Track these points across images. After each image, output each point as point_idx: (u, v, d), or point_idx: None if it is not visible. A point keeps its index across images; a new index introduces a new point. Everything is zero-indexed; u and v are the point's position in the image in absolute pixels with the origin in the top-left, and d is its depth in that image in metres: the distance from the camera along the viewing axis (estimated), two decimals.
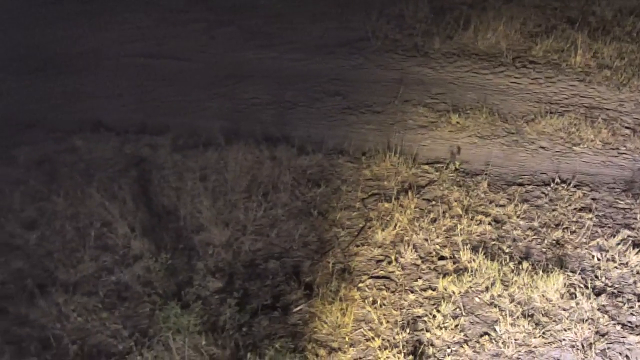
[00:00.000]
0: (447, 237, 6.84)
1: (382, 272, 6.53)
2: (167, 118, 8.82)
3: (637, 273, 6.42)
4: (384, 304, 6.18)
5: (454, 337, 5.84)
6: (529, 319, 5.92)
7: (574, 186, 7.45)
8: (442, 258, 6.63)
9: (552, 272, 6.24)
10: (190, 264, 6.63)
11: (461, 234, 6.80)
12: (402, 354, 5.66)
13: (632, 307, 6.06)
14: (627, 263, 6.51)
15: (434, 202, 7.26)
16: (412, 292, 6.29)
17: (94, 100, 9.27)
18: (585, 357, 5.65)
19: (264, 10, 11.37)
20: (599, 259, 6.55)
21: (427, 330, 5.90)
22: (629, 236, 6.80)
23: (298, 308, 6.17)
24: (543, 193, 7.37)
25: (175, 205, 7.28)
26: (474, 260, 6.50)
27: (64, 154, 8.12)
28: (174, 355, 5.70)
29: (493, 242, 6.74)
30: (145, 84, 9.55)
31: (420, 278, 6.43)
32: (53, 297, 6.31)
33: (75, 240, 6.93)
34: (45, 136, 8.46)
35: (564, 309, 6.03)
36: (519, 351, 5.69)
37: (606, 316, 5.97)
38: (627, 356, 5.67)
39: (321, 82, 9.44)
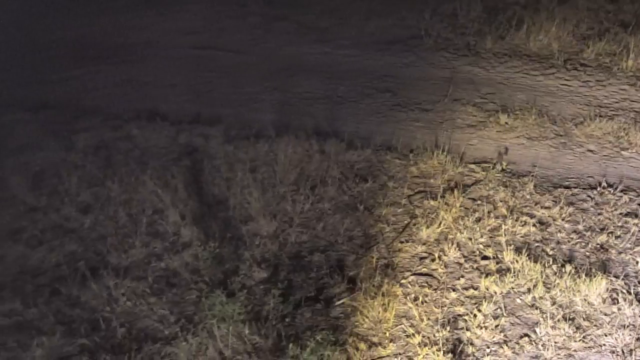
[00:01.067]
0: (491, 237, 6.73)
1: (425, 269, 6.46)
2: (220, 109, 8.82)
3: None
4: (426, 301, 6.11)
5: (493, 337, 5.75)
6: (570, 322, 5.80)
7: (621, 191, 7.28)
8: (485, 258, 6.53)
9: (595, 277, 6.10)
10: (237, 253, 6.62)
11: (505, 235, 6.69)
12: (442, 352, 5.58)
13: None
14: None
15: (479, 202, 7.16)
16: (454, 290, 6.21)
17: (151, 89, 9.31)
18: None
19: (319, 6, 11.29)
20: None
21: (467, 329, 5.82)
22: None
23: (340, 301, 6.13)
24: (589, 197, 7.22)
25: (225, 195, 7.28)
26: (517, 261, 6.39)
27: (121, 141, 8.17)
28: (217, 342, 5.70)
29: (537, 244, 6.62)
30: (201, 76, 9.56)
31: (462, 277, 6.34)
32: (104, 280, 6.35)
33: (128, 225, 6.96)
34: (104, 123, 8.52)
35: (606, 314, 5.90)
36: (559, 354, 5.58)
37: None
38: None
39: (372, 78, 9.36)
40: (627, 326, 5.77)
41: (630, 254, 6.52)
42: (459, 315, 5.97)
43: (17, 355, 5.77)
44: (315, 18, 10.89)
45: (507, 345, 5.67)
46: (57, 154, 7.90)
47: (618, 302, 5.98)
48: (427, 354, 5.61)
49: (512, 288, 6.17)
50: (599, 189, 7.31)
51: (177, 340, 5.78)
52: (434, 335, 5.78)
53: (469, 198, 7.21)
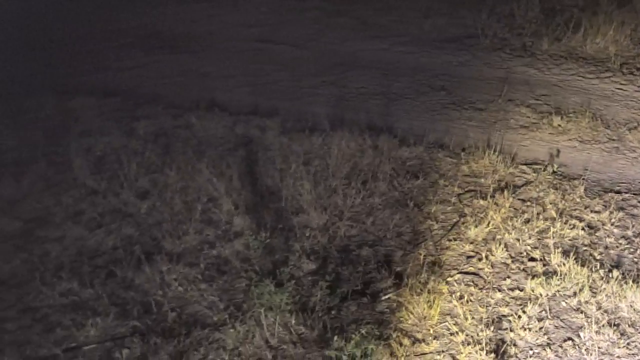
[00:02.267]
0: (539, 239, 6.59)
1: (471, 268, 6.35)
2: (277, 102, 8.79)
3: None
4: (471, 300, 6.00)
5: (537, 339, 5.62)
6: (615, 328, 5.65)
7: None
8: (532, 259, 6.39)
9: None
10: (287, 244, 6.58)
11: (553, 237, 6.55)
12: (485, 351, 5.47)
13: None
14: None
15: (528, 203, 7.01)
16: (499, 290, 6.09)
17: (211, 80, 9.31)
18: None
19: (378, 3, 11.19)
20: None
21: (511, 330, 5.70)
22: None
23: (386, 296, 6.06)
24: None
25: (278, 186, 7.24)
26: (564, 264, 6.24)
27: (180, 130, 8.19)
28: (264, 331, 5.67)
29: (585, 248, 6.46)
30: (260, 68, 9.54)
31: (508, 277, 6.22)
32: (158, 265, 6.37)
33: (183, 212, 6.97)
34: (164, 111, 8.55)
35: None
36: None
37: None
38: None
39: (428, 76, 9.24)
40: None
41: None
42: (503, 315, 5.85)
43: (72, 334, 5.81)
44: (374, 14, 10.78)
45: (550, 348, 5.54)
46: (119, 139, 7.94)
47: None
48: (470, 353, 5.50)
49: (558, 291, 6.03)
50: None
51: (225, 326, 5.76)
52: (478, 335, 5.67)
53: (518, 199, 7.07)
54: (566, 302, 5.93)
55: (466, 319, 5.81)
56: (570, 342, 5.58)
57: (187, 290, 6.14)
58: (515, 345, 5.58)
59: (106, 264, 6.44)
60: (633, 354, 5.45)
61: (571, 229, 6.65)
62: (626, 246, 6.49)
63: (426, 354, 5.58)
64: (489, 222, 6.74)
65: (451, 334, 5.69)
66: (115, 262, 6.43)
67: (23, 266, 6.39)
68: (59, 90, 8.95)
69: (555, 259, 6.30)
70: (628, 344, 5.52)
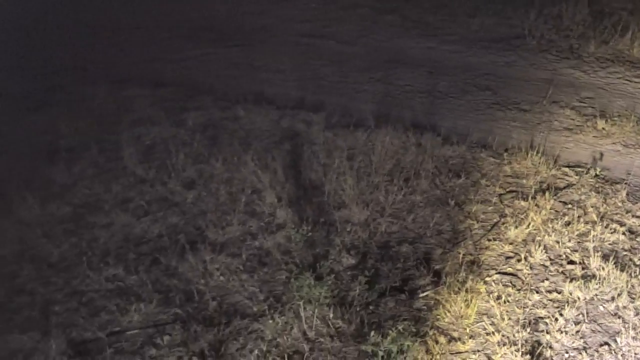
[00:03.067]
0: (578, 242, 6.45)
1: (510, 269, 6.24)
2: (324, 96, 8.74)
3: None
4: (508, 301, 5.90)
5: (573, 342, 5.51)
6: None
7: None
8: (571, 262, 6.26)
9: None
10: (328, 238, 6.54)
11: (593, 241, 6.41)
12: (520, 353, 5.38)
13: None
14: None
15: (570, 206, 6.88)
16: (537, 292, 5.98)
17: (261, 73, 9.29)
18: None
19: (427, 1, 11.08)
20: None
21: (547, 332, 5.59)
22: None
23: (424, 294, 5.98)
24: None
25: (322, 180, 7.20)
26: (603, 268, 6.11)
27: (227, 122, 8.18)
28: (302, 323, 5.64)
29: (625, 253, 6.31)
30: (308, 63, 9.49)
31: (547, 279, 6.10)
32: (201, 254, 6.37)
33: (227, 203, 6.96)
34: (213, 103, 8.55)
35: None
36: None
37: None
38: None
39: (473, 75, 9.12)
40: None
41: None
42: (540, 317, 5.75)
43: (116, 318, 5.84)
44: (423, 13, 10.67)
45: (586, 352, 5.42)
46: (168, 130, 7.96)
47: None
48: (505, 354, 5.41)
49: (596, 295, 5.90)
50: None
51: (264, 317, 5.74)
52: (514, 336, 5.57)
53: (559, 201, 6.93)
54: (604, 307, 5.80)
55: (503, 319, 5.71)
56: (606, 347, 5.46)
57: (228, 280, 6.13)
58: (551, 347, 5.48)
59: (151, 251, 6.47)
60: None
61: (612, 233, 6.50)
62: None
63: (461, 352, 5.50)
64: (529, 224, 6.62)
65: (487, 334, 5.61)
66: (160, 250, 6.46)
67: (72, 250, 6.44)
68: (112, 79, 9.00)
69: (595, 262, 6.17)
70: None
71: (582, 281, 6.01)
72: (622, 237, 6.46)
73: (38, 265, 6.31)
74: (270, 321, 5.68)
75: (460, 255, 6.33)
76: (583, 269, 6.18)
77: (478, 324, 5.70)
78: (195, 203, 7.00)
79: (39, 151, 7.70)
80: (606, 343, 5.50)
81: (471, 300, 5.81)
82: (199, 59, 9.69)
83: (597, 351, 5.42)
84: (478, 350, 5.51)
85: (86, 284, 6.14)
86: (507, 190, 7.13)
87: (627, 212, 6.78)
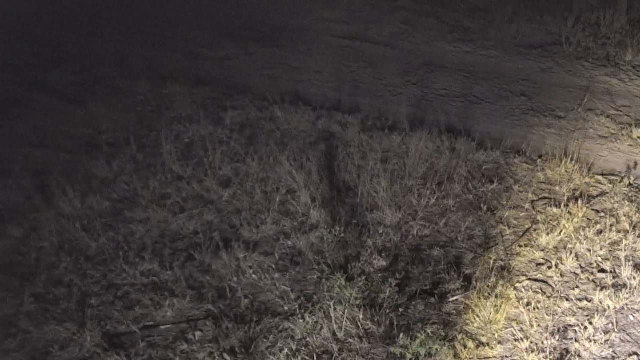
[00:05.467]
0: (610, 250, 6.36)
1: (540, 275, 6.17)
2: (360, 99, 8.69)
3: None
4: (538, 308, 5.83)
5: (602, 351, 5.44)
6: None
7: None
8: (602, 271, 6.17)
9: None
10: (360, 240, 6.51)
11: (625, 250, 6.31)
12: None
13: None
14: None
15: (602, 214, 6.78)
16: (567, 300, 5.90)
17: (299, 74, 9.24)
18: None
19: (465, 5, 10.94)
20: None
21: (576, 341, 5.52)
22: None
23: (454, 298, 5.93)
24: None
25: (356, 182, 7.15)
26: (634, 277, 6.02)
27: (264, 122, 8.15)
28: (332, 324, 5.62)
29: None
30: (346, 65, 9.43)
31: (577, 287, 6.02)
32: (235, 252, 6.36)
33: (262, 202, 6.93)
34: (251, 103, 8.51)
35: None
36: None
37: None
38: None
39: (509, 81, 9.00)
40: None
41: None
42: (569, 325, 5.68)
43: (150, 312, 5.86)
44: (461, 17, 10.55)
45: None
46: (207, 128, 7.94)
47: None
48: None
49: (627, 304, 5.82)
50: None
51: (294, 317, 5.73)
52: (542, 343, 5.51)
53: (592, 209, 6.84)
54: (634, 316, 5.72)
55: (532, 326, 5.65)
56: (635, 357, 5.40)
57: (260, 279, 6.12)
58: (579, 356, 5.41)
59: (186, 247, 6.47)
60: None
61: None
62: None
63: (489, 358, 5.46)
64: (561, 231, 6.54)
65: (516, 340, 5.55)
66: (195, 246, 6.45)
67: (109, 244, 6.46)
68: (154, 76, 9.00)
69: (626, 272, 6.08)
70: None
71: (613, 290, 5.93)
72: None
73: (76, 258, 6.33)
74: (301, 320, 5.66)
75: (491, 261, 6.27)
76: (614, 277, 6.10)
77: (507, 330, 5.65)
78: (230, 201, 6.99)
79: (80, 145, 7.72)
80: (635, 353, 5.43)
81: (501, 306, 5.75)
82: (239, 58, 9.66)
83: None
84: (506, 357, 5.46)
85: (122, 277, 6.16)
86: (540, 197, 7.04)
87: None
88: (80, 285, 6.08)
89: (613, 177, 7.28)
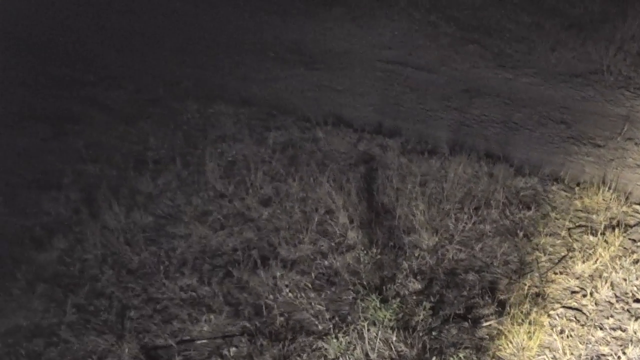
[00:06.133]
0: None
1: (575, 303, 6.01)
2: (401, 122, 8.61)
3: None
4: (571, 336, 5.67)
5: None
6: None
7: None
8: (637, 301, 6.00)
9: None
10: (396, 262, 6.41)
11: None
12: None
13: None
14: None
15: (639, 244, 6.58)
16: (601, 329, 5.73)
17: (342, 97, 9.21)
18: None
19: (508, 33, 10.83)
20: None
21: None
22: None
23: (487, 323, 5.80)
24: None
25: (394, 204, 7.07)
26: None
27: (306, 143, 8.11)
28: (365, 344, 5.54)
29: None
30: (389, 89, 9.36)
31: (611, 317, 5.85)
32: (272, 270, 6.31)
33: (301, 222, 6.88)
34: (294, 124, 8.48)
35: None
36: None
37: None
38: None
39: (549, 108, 8.84)
40: None
41: None
42: (602, 354, 5.51)
43: (187, 327, 5.83)
44: (503, 45, 10.43)
45: None
46: (250, 147, 7.93)
47: None
48: None
49: None
50: None
51: (328, 336, 5.65)
52: None
53: (629, 238, 6.66)
54: None
55: (565, 354, 5.50)
56: None
57: (296, 297, 6.05)
58: None
59: (225, 264, 6.44)
60: None
61: None
62: None
63: None
64: (597, 259, 6.37)
65: None
66: (233, 263, 6.42)
67: (151, 259, 6.46)
68: (202, 96, 9.02)
69: None
70: None
71: None
72: None
73: (118, 271, 6.34)
74: (334, 340, 5.58)
75: (526, 287, 6.13)
76: None
77: (539, 357, 5.51)
78: (270, 220, 6.94)
79: (128, 161, 7.75)
80: None
81: (534, 333, 5.61)
82: (284, 80, 9.66)
83: None
84: None
85: (162, 291, 6.14)
86: (577, 224, 6.88)
87: None
88: (121, 297, 6.08)
89: None
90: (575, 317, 5.86)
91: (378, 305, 5.82)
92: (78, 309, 5.98)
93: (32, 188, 7.35)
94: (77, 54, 10.20)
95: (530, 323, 5.70)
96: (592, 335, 5.68)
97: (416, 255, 6.48)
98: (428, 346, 5.53)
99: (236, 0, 11.86)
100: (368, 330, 5.61)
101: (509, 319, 5.78)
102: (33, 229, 6.80)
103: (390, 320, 5.71)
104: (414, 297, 6.03)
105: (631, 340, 5.61)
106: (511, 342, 5.60)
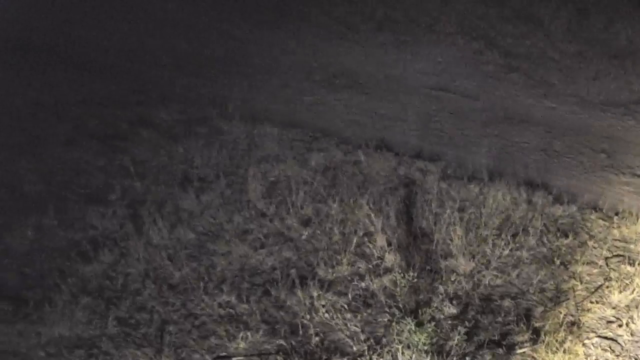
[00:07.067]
0: None
1: (610, 333, 5.82)
2: (442, 147, 8.51)
3: None
4: None
5: None
6: None
7: None
8: None
9: None
10: (432, 286, 6.29)
11: None
12: None
13: None
14: None
15: None
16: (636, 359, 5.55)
17: (384, 121, 9.13)
18: None
19: (551, 62, 10.68)
20: None
21: None
22: None
23: (522, 350, 5.65)
24: None
25: (432, 229, 6.95)
26: None
27: (348, 165, 8.04)
28: None
29: None
30: (431, 114, 9.27)
31: None
32: (309, 290, 6.23)
33: (339, 243, 6.80)
34: (336, 146, 8.42)
35: None
36: None
37: None
38: None
39: (590, 137, 8.67)
40: None
41: None
42: None
43: (224, 344, 5.76)
44: (546, 73, 10.29)
45: None
46: (292, 168, 7.88)
47: None
48: None
49: None
50: None
51: (362, 357, 5.56)
52: None
53: None
54: None
55: None
56: None
57: (332, 318, 5.96)
58: None
59: (263, 282, 6.37)
60: None
61: None
62: None
63: None
64: (634, 289, 6.18)
65: None
66: (272, 282, 6.35)
67: (191, 275, 6.42)
68: (248, 117, 9.01)
69: None
70: None
71: None
72: None
73: (160, 286, 6.31)
74: None
75: (561, 315, 5.96)
76: None
77: None
78: (309, 240, 6.88)
79: (174, 179, 7.77)
80: None
81: None
82: (329, 103, 9.62)
83: None
84: None
85: (201, 307, 6.09)
86: (614, 254, 6.70)
87: None
88: (161, 312, 6.05)
89: None
90: (610, 347, 5.68)
91: (413, 328, 5.71)
92: (119, 322, 5.96)
93: (81, 202, 7.39)
94: (127, 74, 10.29)
95: (564, 352, 5.54)
96: None
97: (452, 279, 6.35)
98: None
99: (285, 25, 11.91)
100: (402, 353, 5.50)
101: (543, 347, 5.62)
102: (80, 243, 6.82)
103: (424, 344, 5.59)
104: (449, 322, 5.91)
105: None
106: None
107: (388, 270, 6.47)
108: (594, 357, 5.58)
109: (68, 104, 9.35)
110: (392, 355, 5.53)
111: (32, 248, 6.78)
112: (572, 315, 5.99)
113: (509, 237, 6.78)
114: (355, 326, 5.90)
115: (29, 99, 9.46)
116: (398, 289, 6.22)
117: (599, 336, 5.79)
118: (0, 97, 9.53)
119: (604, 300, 6.16)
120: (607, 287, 6.29)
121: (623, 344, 5.70)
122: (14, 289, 6.32)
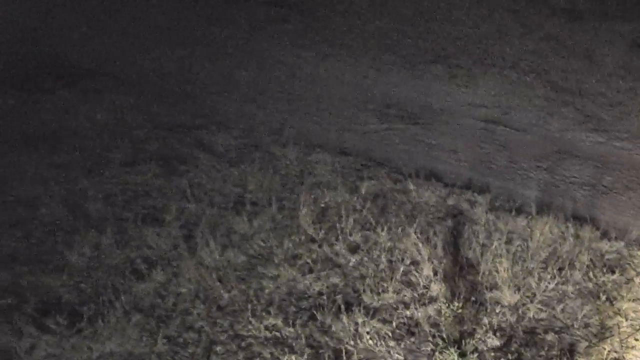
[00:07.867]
0: None
1: None
2: (491, 179, 8.40)
3: None
4: None
5: None
6: None
7: None
8: None
9: None
10: (477, 317, 6.19)
11: None
12: None
13: None
14: None
15: None
16: None
17: (435, 151, 9.07)
18: None
19: (602, 97, 10.47)
20: None
21: None
22: None
23: None
24: None
25: (478, 260, 6.85)
26: None
27: (397, 194, 8.00)
28: None
29: None
30: (481, 146, 9.17)
31: None
32: (354, 316, 6.19)
33: (386, 271, 6.75)
34: (387, 175, 8.40)
35: None
36: None
37: None
38: None
39: (639, 173, 8.49)
40: None
41: None
42: None
43: None
44: (597, 109, 10.09)
45: None
46: (343, 195, 7.86)
47: None
48: None
49: None
50: None
51: None
52: None
53: None
54: None
55: None
56: None
57: (376, 345, 5.90)
58: None
59: (310, 307, 6.35)
60: None
61: None
62: None
63: None
64: None
65: None
66: (318, 307, 6.33)
67: (240, 297, 6.44)
68: (302, 144, 9.05)
69: None
70: None
71: None
72: None
73: (209, 306, 6.34)
74: None
75: (605, 351, 5.81)
76: None
77: None
78: (356, 267, 6.84)
79: (228, 202, 7.84)
80: None
81: None
82: (380, 133, 9.60)
83: None
84: None
85: (247, 329, 6.09)
86: None
87: None
88: (209, 332, 6.07)
89: None
90: None
91: (456, 359, 5.63)
92: (168, 340, 6.00)
93: (138, 222, 7.49)
94: (188, 99, 10.46)
95: None
96: None
97: (497, 311, 6.24)
98: None
99: (342, 56, 11.95)
100: None
101: None
102: (135, 261, 6.92)
103: None
104: (492, 354, 5.80)
105: None
106: None
107: (433, 300, 6.40)
108: None
109: (130, 127, 9.54)
110: None
111: (90, 265, 6.90)
112: (616, 352, 5.83)
113: (554, 271, 6.64)
114: (399, 354, 5.84)
115: (94, 121, 9.67)
116: (442, 319, 6.14)
117: None
118: (67, 118, 9.77)
119: None
120: None
121: None
122: (69, 304, 6.43)
